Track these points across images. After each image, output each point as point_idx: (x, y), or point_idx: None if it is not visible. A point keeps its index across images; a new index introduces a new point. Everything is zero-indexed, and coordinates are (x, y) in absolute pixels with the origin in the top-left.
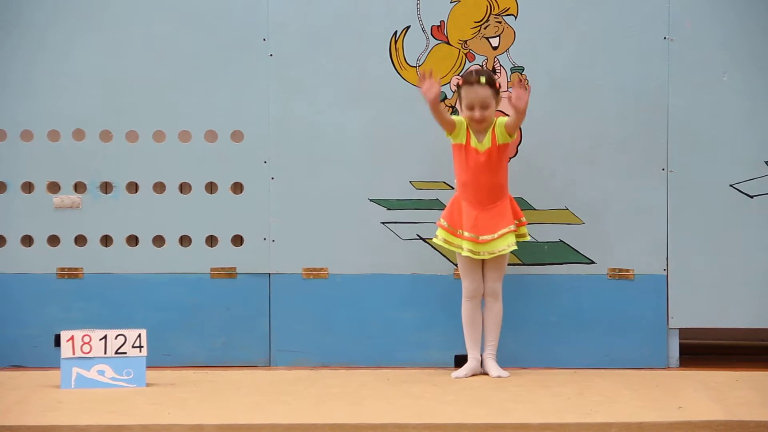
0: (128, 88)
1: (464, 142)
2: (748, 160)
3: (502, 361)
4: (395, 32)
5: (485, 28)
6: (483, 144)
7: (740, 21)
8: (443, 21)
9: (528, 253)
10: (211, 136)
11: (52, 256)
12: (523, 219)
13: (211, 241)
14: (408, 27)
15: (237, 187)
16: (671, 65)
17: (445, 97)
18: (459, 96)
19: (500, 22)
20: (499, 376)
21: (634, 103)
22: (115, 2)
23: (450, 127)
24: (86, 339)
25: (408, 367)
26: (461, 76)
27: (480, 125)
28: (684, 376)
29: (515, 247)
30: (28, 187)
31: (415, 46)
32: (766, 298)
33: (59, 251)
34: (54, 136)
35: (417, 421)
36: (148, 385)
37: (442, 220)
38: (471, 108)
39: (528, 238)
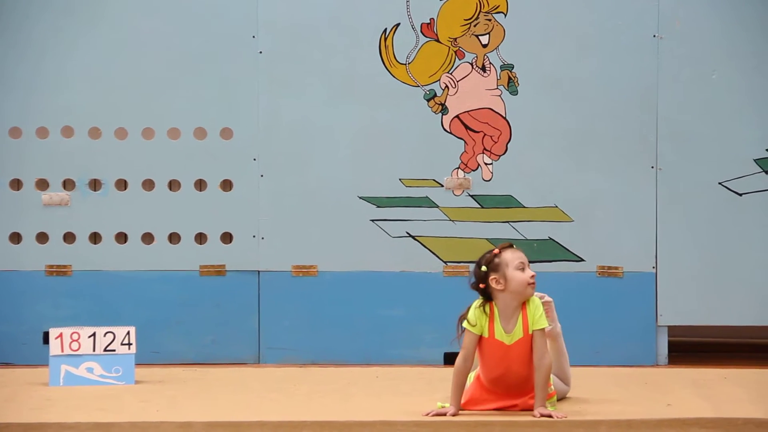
0: (117, 85)
1: (487, 335)
2: (737, 158)
3: None
4: (385, 29)
5: (475, 26)
6: (512, 335)
7: (729, 19)
8: (433, 18)
9: None
10: (200, 133)
11: (41, 254)
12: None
13: (201, 238)
14: (398, 24)
15: (226, 185)
16: (661, 63)
17: (435, 95)
18: (499, 264)
19: (490, 20)
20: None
21: (624, 100)
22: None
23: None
24: (75, 336)
25: (397, 364)
26: (496, 250)
27: (531, 288)
28: (673, 373)
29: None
30: (16, 184)
31: (404, 43)
32: (755, 296)
33: (48, 248)
34: (43, 133)
35: (406, 418)
36: (137, 382)
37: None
38: (523, 268)
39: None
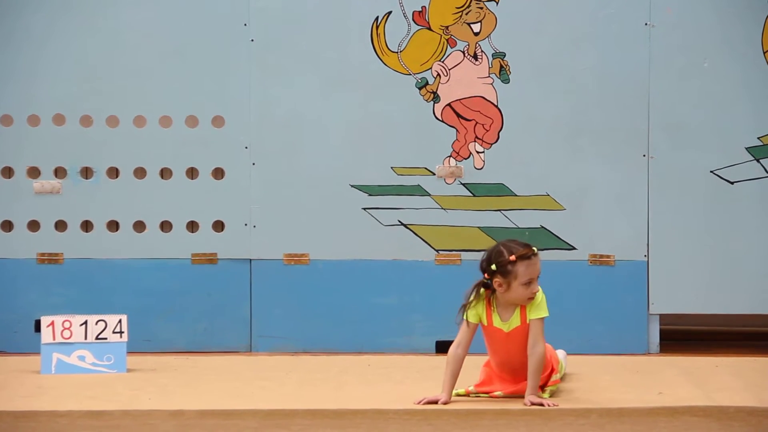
0: (109, 72)
1: (486, 323)
2: (728, 146)
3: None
4: (377, 18)
5: (467, 14)
6: (510, 323)
7: (721, 7)
8: (425, 6)
9: None
10: (192, 121)
11: (33, 241)
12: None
13: (192, 226)
14: (389, 12)
15: (218, 173)
16: (652, 51)
17: (426, 83)
18: (509, 273)
19: (482, 8)
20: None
21: (616, 89)
22: None
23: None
24: (67, 324)
25: (389, 352)
26: (513, 257)
27: (529, 301)
28: (664, 361)
29: None
30: (8, 172)
31: (396, 31)
32: (747, 284)
33: (40, 236)
34: (34, 120)
35: (397, 406)
36: (128, 370)
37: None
38: (530, 283)
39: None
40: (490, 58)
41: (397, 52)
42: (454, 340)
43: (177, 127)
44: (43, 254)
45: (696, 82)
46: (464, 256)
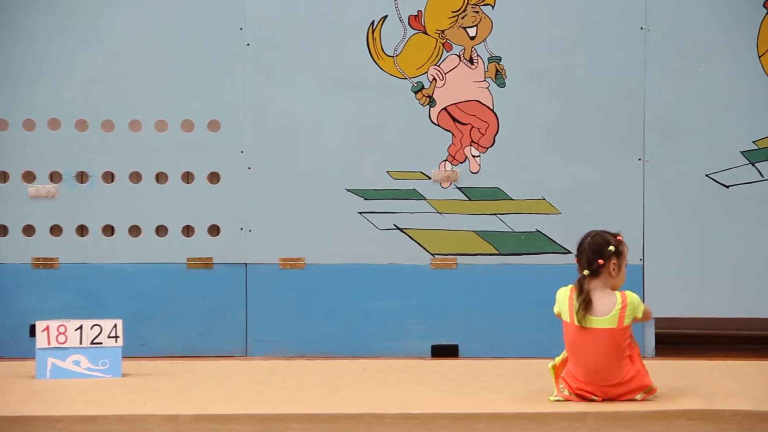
0: (104, 77)
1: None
2: (724, 150)
3: (483, 351)
4: (372, 22)
5: (462, 18)
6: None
7: (716, 11)
8: (420, 11)
9: (505, 243)
10: (187, 125)
11: (28, 246)
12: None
13: (188, 231)
14: (385, 17)
15: (214, 177)
16: (648, 55)
17: (422, 87)
18: (620, 255)
19: (477, 12)
20: None
21: (611, 93)
22: None
23: None
24: (62, 329)
25: (385, 356)
26: (620, 236)
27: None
28: (659, 365)
29: None
30: (3, 176)
31: (392, 35)
32: (742, 288)
33: (35, 241)
34: (29, 125)
35: (394, 410)
36: (123, 375)
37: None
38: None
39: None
40: (486, 62)
41: (393, 56)
42: (450, 344)
43: (172, 131)
44: (38, 259)
45: (691, 85)
46: (460, 260)
